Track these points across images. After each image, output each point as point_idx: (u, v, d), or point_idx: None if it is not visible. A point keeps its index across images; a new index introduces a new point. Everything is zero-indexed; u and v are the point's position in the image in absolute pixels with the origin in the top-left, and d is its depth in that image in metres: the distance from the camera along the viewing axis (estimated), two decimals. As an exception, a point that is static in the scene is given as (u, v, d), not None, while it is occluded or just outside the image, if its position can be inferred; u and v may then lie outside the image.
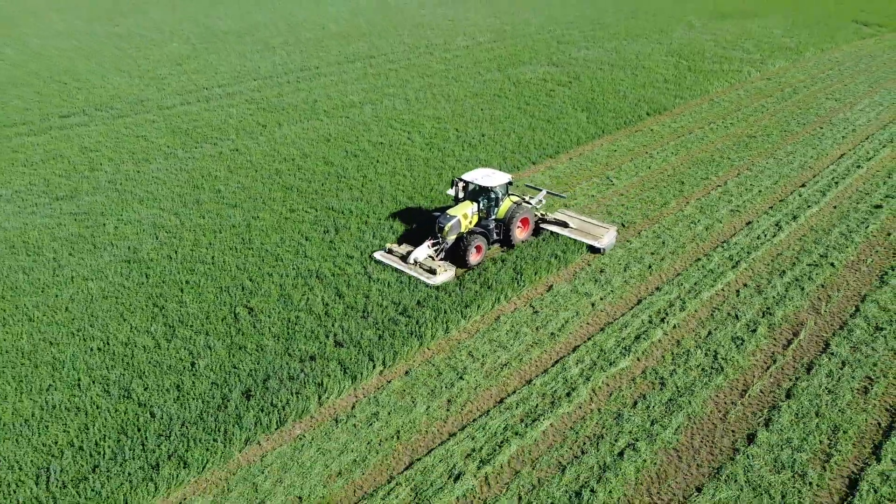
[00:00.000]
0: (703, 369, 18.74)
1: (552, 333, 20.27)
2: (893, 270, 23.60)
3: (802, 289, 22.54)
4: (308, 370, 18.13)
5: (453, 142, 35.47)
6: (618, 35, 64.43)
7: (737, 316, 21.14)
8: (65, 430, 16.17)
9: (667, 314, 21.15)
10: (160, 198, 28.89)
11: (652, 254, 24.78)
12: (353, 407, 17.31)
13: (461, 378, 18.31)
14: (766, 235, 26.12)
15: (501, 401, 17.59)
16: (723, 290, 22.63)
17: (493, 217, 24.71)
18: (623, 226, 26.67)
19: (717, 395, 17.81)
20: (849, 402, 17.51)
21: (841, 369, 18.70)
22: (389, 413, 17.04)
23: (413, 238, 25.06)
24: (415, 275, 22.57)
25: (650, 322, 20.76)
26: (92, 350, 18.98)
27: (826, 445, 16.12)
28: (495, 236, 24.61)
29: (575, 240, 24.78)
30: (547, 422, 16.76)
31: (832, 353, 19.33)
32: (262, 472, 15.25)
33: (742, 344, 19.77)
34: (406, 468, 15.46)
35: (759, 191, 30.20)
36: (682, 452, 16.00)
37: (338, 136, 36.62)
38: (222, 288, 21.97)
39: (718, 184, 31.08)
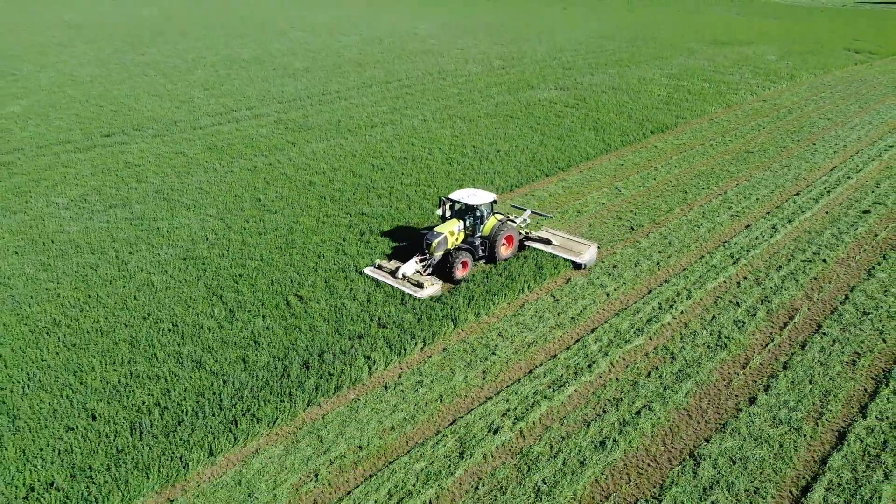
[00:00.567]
0: (708, 346, 21.01)
1: (572, 318, 22.59)
2: (880, 265, 25.99)
3: (797, 281, 24.89)
4: (357, 346, 20.43)
5: (471, 156, 38.15)
6: (621, 62, 67.78)
7: (738, 303, 23.45)
8: (149, 393, 18.42)
9: (675, 302, 23.47)
10: (205, 205, 31.42)
11: (659, 252, 27.18)
12: (399, 377, 19.56)
13: (493, 353, 20.59)
14: (763, 236, 28.55)
15: (530, 371, 19.85)
16: (725, 282, 24.98)
17: (479, 234, 25.70)
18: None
19: (721, 367, 20.06)
20: (839, 371, 19.76)
21: (832, 346, 20.98)
22: (432, 381, 19.29)
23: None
24: (403, 289, 23.55)
25: (660, 308, 23.09)
26: (163, 330, 21.31)
27: (818, 406, 18.33)
28: (481, 253, 25.44)
29: (557, 256, 25.59)
30: (572, 388, 19.01)
31: (824, 333, 21.63)
32: (325, 427, 17.45)
33: (743, 326, 22.05)
34: (451, 424, 17.68)
35: (757, 199, 32.73)
36: (691, 412, 18.20)
37: (363, 152, 39.31)
38: (273, 280, 24.35)
39: (719, 193, 33.62)
